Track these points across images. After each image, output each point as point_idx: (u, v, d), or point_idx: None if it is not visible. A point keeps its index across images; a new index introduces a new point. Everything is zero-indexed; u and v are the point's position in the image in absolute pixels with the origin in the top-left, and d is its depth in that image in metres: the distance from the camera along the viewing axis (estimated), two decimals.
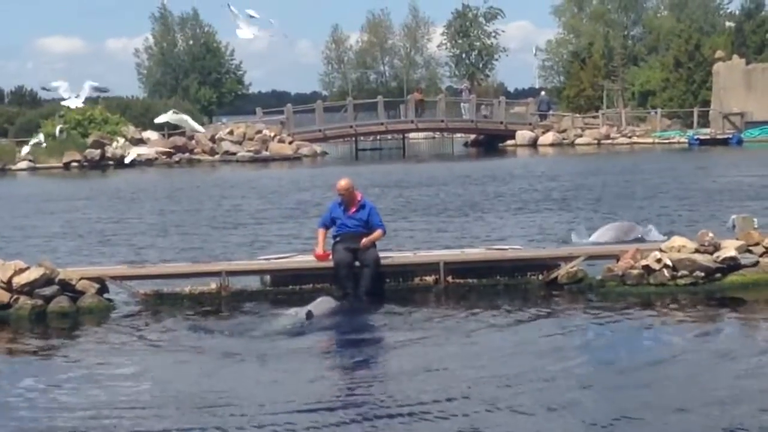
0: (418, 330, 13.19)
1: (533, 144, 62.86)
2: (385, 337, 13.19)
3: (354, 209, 15.47)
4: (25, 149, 54.72)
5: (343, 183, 15.57)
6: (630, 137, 62.37)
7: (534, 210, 26.56)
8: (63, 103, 44.39)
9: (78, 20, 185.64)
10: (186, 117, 15.39)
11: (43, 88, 16.20)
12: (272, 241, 21.88)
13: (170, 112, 14.37)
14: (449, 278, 15.60)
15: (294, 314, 13.82)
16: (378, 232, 15.48)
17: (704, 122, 62.43)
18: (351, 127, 62.64)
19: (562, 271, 15.46)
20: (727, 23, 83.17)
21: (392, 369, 11.48)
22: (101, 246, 22.09)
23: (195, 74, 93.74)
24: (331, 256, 15.39)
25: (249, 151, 56.60)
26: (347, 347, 12.90)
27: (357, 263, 15.27)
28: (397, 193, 32.74)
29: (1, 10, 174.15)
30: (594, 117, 66.72)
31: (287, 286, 15.72)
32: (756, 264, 15.14)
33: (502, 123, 65.35)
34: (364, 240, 15.24)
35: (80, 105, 29.29)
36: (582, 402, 9.93)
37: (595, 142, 62.24)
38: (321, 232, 15.71)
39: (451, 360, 11.55)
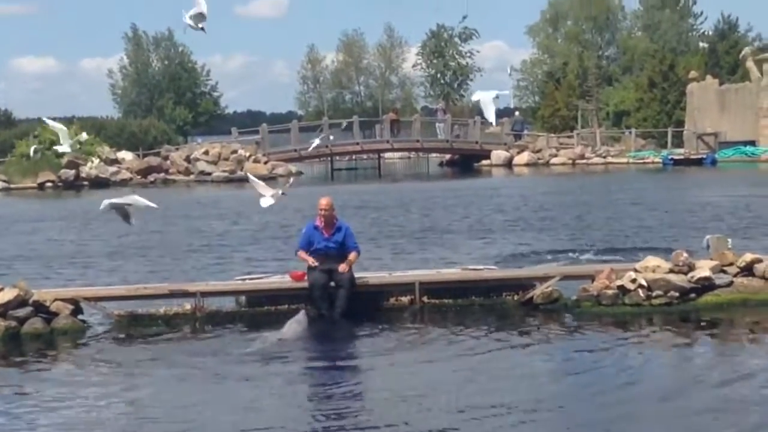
0: (393, 352, 13.16)
1: (508, 164, 63.00)
2: (360, 360, 13.16)
3: (331, 231, 15.47)
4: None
5: (324, 202, 15.58)
6: (605, 157, 62.60)
7: (504, 231, 26.57)
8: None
9: (51, 40, 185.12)
10: (136, 197, 15.16)
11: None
12: (246, 261, 21.81)
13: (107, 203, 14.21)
14: (425, 298, 15.60)
15: (267, 337, 13.82)
16: (353, 255, 15.50)
17: (678, 142, 62.74)
18: (326, 146, 62.67)
19: (538, 292, 15.48)
20: (701, 44, 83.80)
21: (366, 393, 11.45)
22: (74, 267, 21.97)
23: (170, 94, 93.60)
24: (306, 277, 15.40)
25: (224, 171, 56.56)
26: (322, 370, 12.84)
27: (332, 283, 15.26)
28: (375, 215, 32.71)
29: None
30: (569, 137, 66.97)
31: (263, 307, 15.69)
32: (730, 284, 15.21)
33: (477, 143, 65.52)
34: (343, 265, 15.23)
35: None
36: (555, 424, 9.92)
37: (570, 162, 62.42)
38: (302, 253, 15.56)
39: (426, 383, 11.53)
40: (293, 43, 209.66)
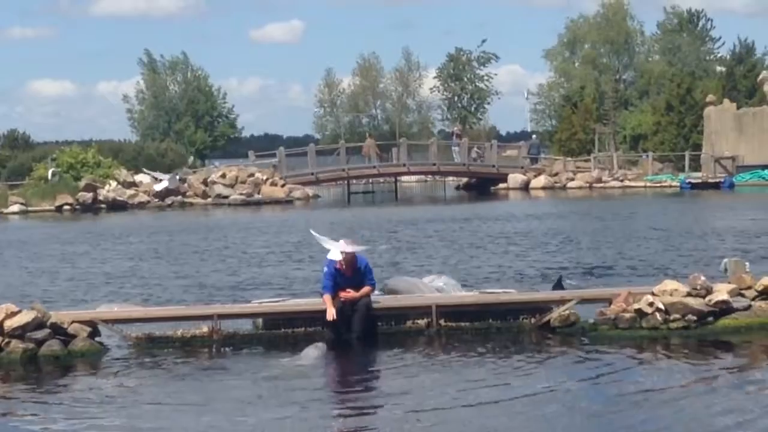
0: (409, 376, 13.13)
1: (525, 187, 62.99)
2: (377, 384, 13.14)
3: (351, 273, 15.36)
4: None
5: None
6: (622, 181, 62.56)
7: (521, 253, 26.56)
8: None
9: (68, 63, 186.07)
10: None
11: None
12: (264, 284, 21.84)
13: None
14: (442, 321, 15.58)
15: (286, 362, 13.83)
16: (367, 288, 15.42)
17: (696, 166, 62.63)
18: (343, 170, 62.79)
19: (555, 315, 15.45)
20: (718, 68, 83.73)
21: (382, 417, 11.40)
22: (93, 289, 22.02)
23: (188, 117, 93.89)
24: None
25: (241, 194, 56.65)
26: (339, 394, 12.84)
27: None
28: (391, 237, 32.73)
29: None
30: (586, 160, 66.94)
31: (279, 330, 15.68)
32: (748, 308, 15.15)
33: (494, 166, 65.54)
34: (349, 295, 15.20)
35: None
36: None
37: (587, 185, 62.38)
38: (328, 299, 15.17)
39: (443, 406, 11.51)
40: (309, 67, 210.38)
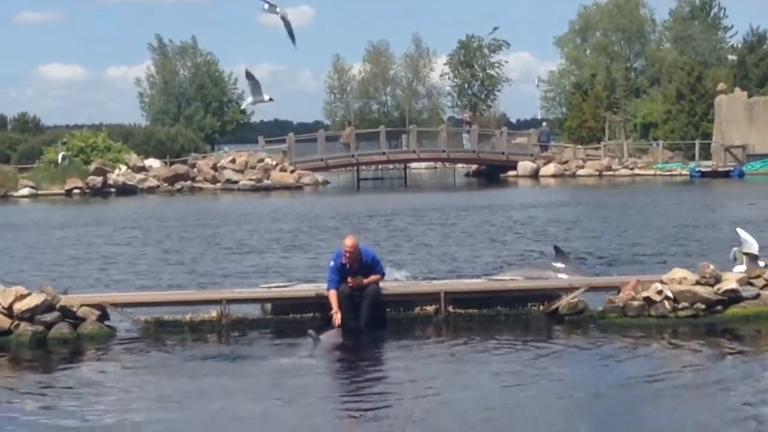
0: (417, 362, 13.16)
1: (534, 175, 62.88)
2: (385, 371, 13.17)
3: (356, 267, 15.25)
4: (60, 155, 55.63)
5: (348, 243, 15.22)
6: (631, 169, 62.46)
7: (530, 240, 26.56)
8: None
9: (78, 48, 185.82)
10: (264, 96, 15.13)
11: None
12: (272, 269, 21.86)
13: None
14: (450, 308, 15.59)
15: (294, 348, 13.86)
16: (376, 276, 15.38)
17: (706, 154, 62.50)
18: (353, 156, 62.75)
19: (563, 302, 15.44)
20: (730, 56, 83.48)
21: (391, 402, 11.41)
22: (102, 273, 22.08)
23: (198, 102, 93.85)
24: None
25: (251, 179, 56.65)
26: (346, 382, 12.87)
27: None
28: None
29: (1, 37, 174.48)
30: (596, 148, 66.80)
31: (288, 315, 15.70)
32: (757, 296, 15.15)
33: (503, 154, 65.44)
34: (360, 279, 15.16)
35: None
36: None
37: (597, 173, 62.28)
38: (333, 296, 15.02)
39: (451, 392, 11.54)
40: (319, 53, 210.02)
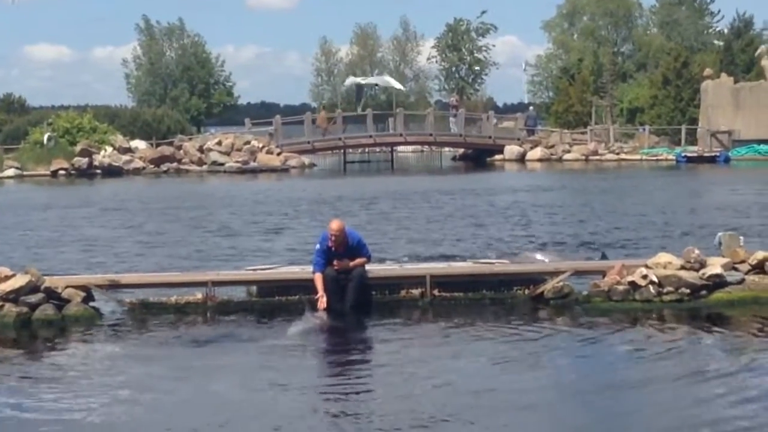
0: (402, 345, 13.16)
1: (521, 159, 62.93)
2: (369, 354, 13.17)
3: (343, 251, 15.24)
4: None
5: (334, 227, 15.19)
6: (618, 154, 62.51)
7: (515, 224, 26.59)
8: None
9: (64, 28, 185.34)
10: (386, 77, 15.32)
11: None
12: (257, 252, 21.84)
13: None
14: (435, 291, 15.60)
15: (280, 331, 13.87)
16: (362, 259, 15.38)
17: (692, 140, 62.58)
18: (339, 139, 62.71)
19: (549, 286, 15.47)
20: (716, 42, 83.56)
21: (375, 386, 11.45)
22: (87, 254, 22.04)
23: (184, 84, 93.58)
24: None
25: (237, 161, 56.56)
26: (331, 365, 12.89)
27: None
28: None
29: None
30: (582, 133, 66.85)
31: (273, 297, 15.69)
32: (741, 281, 15.20)
33: (490, 137, 65.46)
34: (346, 262, 15.17)
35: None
36: (565, 418, 9.94)
37: (583, 158, 62.33)
38: (319, 279, 15.03)
39: (436, 376, 11.55)
40: (306, 35, 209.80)
